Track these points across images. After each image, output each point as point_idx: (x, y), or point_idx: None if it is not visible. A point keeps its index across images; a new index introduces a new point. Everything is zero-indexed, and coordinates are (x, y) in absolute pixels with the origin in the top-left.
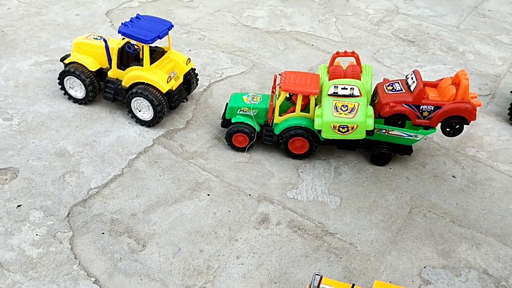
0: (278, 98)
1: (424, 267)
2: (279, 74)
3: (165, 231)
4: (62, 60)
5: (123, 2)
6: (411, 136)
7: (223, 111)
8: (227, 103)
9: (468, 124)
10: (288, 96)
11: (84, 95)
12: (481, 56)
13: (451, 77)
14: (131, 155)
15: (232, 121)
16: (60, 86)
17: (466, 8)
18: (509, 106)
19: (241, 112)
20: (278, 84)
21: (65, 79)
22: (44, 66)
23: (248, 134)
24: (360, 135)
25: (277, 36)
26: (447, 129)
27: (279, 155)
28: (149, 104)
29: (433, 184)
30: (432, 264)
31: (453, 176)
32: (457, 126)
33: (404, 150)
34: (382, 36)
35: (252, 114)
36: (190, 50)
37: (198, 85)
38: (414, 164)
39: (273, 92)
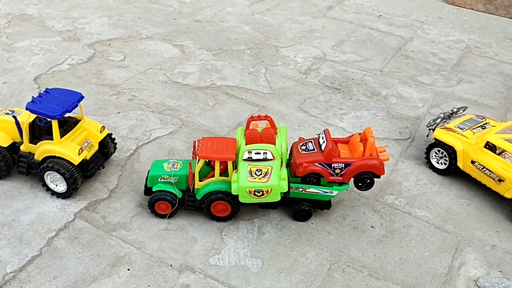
0: (197, 164)
1: None
2: (197, 141)
3: None
4: None
5: (53, 65)
6: (327, 192)
7: (146, 179)
8: (148, 171)
9: (379, 178)
10: (207, 161)
11: None
12: (403, 99)
13: (359, 133)
14: (51, 233)
15: (154, 189)
16: None
17: (390, 51)
18: (425, 150)
19: (162, 180)
20: (195, 151)
21: None
22: None
23: (170, 201)
24: (275, 197)
25: (208, 91)
26: (359, 184)
27: (203, 219)
28: (62, 177)
29: (353, 237)
30: None
31: (372, 227)
32: (368, 181)
33: (323, 205)
34: (309, 84)
35: (173, 181)
36: (118, 112)
37: (125, 149)
38: (335, 217)
39: (193, 157)
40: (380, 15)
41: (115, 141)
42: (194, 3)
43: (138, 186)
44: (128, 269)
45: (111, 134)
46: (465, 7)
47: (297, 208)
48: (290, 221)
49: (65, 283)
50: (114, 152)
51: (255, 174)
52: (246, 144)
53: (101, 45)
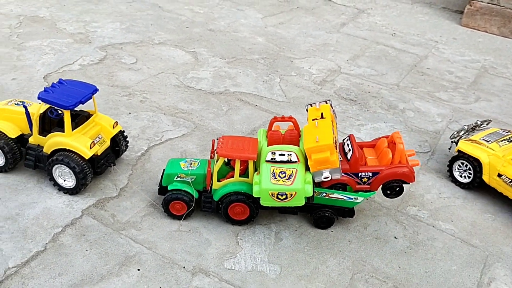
0: (216, 163)
1: None
2: (217, 139)
3: None
4: None
5: (63, 65)
6: (352, 198)
7: (160, 178)
8: (164, 169)
9: (408, 184)
10: (226, 161)
11: (3, 163)
12: (421, 113)
13: (387, 137)
14: (57, 228)
15: (169, 188)
16: None
17: (406, 67)
18: (448, 163)
19: (178, 179)
20: (215, 150)
21: None
22: None
23: (186, 201)
24: (299, 202)
25: (221, 97)
26: (388, 192)
27: (217, 222)
28: (71, 171)
29: (375, 247)
30: None
31: (395, 237)
32: (397, 189)
33: (346, 212)
34: (324, 95)
35: (189, 181)
36: (130, 113)
37: (136, 149)
38: (356, 226)
39: (211, 157)
40: (394, 34)
41: (127, 139)
42: (207, 14)
43: (149, 186)
44: (138, 269)
45: (124, 131)
46: (478, 30)
47: (320, 214)
48: (308, 227)
49: (71, 280)
50: (125, 150)
51: (279, 176)
52: (268, 146)
53: (113, 48)
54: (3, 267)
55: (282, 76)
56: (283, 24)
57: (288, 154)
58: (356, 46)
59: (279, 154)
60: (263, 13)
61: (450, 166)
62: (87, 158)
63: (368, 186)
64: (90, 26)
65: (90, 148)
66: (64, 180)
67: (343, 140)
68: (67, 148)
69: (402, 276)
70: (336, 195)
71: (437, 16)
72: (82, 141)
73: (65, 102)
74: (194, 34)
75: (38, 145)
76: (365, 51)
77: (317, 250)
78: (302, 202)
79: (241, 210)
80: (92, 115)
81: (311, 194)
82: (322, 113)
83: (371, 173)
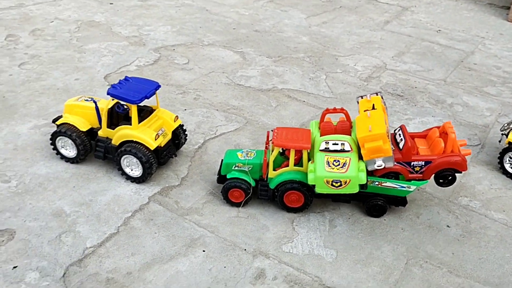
0: (271, 153)
1: None
2: (272, 130)
3: None
4: (54, 121)
5: (121, 66)
6: (404, 187)
7: (219, 167)
8: (222, 160)
9: (461, 173)
10: (281, 151)
11: (75, 154)
12: (469, 108)
13: (438, 127)
14: (127, 213)
15: (228, 177)
16: (52, 146)
17: (452, 63)
18: (498, 155)
19: (236, 168)
20: (271, 140)
21: (57, 139)
22: (42, 129)
23: (244, 189)
24: (353, 189)
25: (269, 93)
26: (441, 181)
27: (273, 209)
28: (138, 161)
29: (428, 235)
30: None
31: (448, 226)
32: (450, 178)
33: (398, 201)
34: (371, 91)
35: (247, 170)
36: (185, 109)
37: (193, 142)
38: (408, 215)
39: (266, 147)
40: (439, 30)
41: (186, 132)
42: (252, 16)
43: (207, 176)
44: (204, 251)
45: (183, 125)
46: None
47: (372, 202)
48: (361, 216)
49: (143, 259)
50: (184, 143)
51: (333, 164)
52: (321, 136)
53: (166, 50)
54: (82, 247)
55: (328, 73)
56: (326, 24)
57: (342, 143)
58: (400, 43)
59: (333, 144)
60: (306, 13)
61: (501, 158)
62: (152, 149)
63: (421, 175)
64: (143, 29)
65: (155, 139)
66: (132, 170)
67: (395, 130)
68: (134, 140)
69: (456, 262)
70: (389, 183)
71: (483, 12)
72: (147, 133)
73: (133, 97)
74: (241, 35)
75: (107, 137)
76: (410, 48)
77: (371, 237)
78: (356, 189)
79: (296, 197)
80: (155, 109)
81: (365, 182)
82: (373, 104)
83: (423, 162)
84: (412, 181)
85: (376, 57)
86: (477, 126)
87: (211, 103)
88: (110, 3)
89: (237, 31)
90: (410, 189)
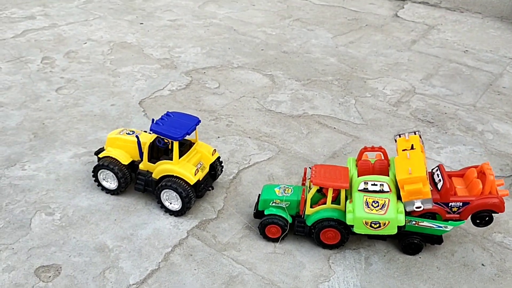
0: (309, 191)
1: None
2: (310, 168)
3: None
4: (96, 153)
5: (155, 91)
6: (441, 227)
7: (255, 202)
8: (259, 195)
9: (497, 214)
10: (318, 188)
11: (116, 186)
12: (500, 135)
13: (476, 167)
14: (167, 248)
15: (265, 213)
16: (94, 178)
17: (481, 86)
18: None
19: (274, 204)
20: (309, 178)
21: (99, 172)
22: (82, 158)
23: (281, 225)
24: (392, 230)
25: (300, 120)
26: (478, 221)
27: (309, 245)
28: (178, 196)
29: (463, 274)
30: None
31: (482, 264)
32: (487, 218)
33: (434, 239)
34: (401, 117)
35: (284, 206)
36: (218, 137)
37: (228, 172)
38: (443, 253)
39: (303, 183)
40: (466, 50)
41: (222, 164)
42: (279, 35)
43: (243, 209)
44: None
45: (220, 157)
46: None
47: (408, 241)
48: (397, 253)
49: None
50: (220, 174)
51: (372, 205)
52: (358, 175)
53: (197, 73)
54: (125, 283)
55: (357, 98)
56: (353, 43)
57: (380, 184)
58: (428, 65)
59: (372, 184)
60: (332, 32)
61: None
62: (192, 184)
63: (458, 216)
64: (174, 51)
65: (195, 174)
66: (170, 203)
67: (432, 169)
68: (175, 175)
69: None
70: (426, 223)
71: (510, 31)
72: (187, 168)
73: (175, 134)
74: (269, 56)
75: (147, 171)
76: (438, 70)
77: (407, 276)
78: (394, 231)
79: (332, 235)
80: (194, 143)
81: (404, 224)
82: (412, 145)
83: (461, 203)
84: (450, 221)
85: (405, 79)
86: (508, 155)
87: (243, 130)
88: (140, 23)
89: (265, 52)
90: (447, 229)
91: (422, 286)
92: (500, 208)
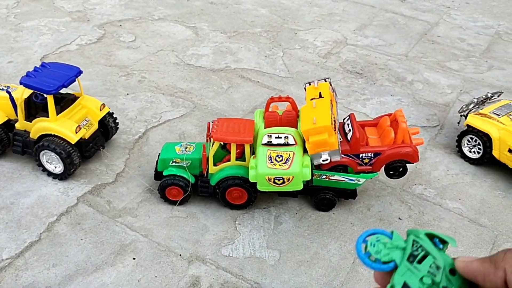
0: (211, 147)
1: None
2: (212, 122)
3: None
4: None
5: (61, 46)
6: (353, 180)
7: (156, 163)
8: (159, 154)
9: (412, 164)
10: (222, 144)
11: None
12: (430, 85)
13: (388, 115)
14: (52, 217)
15: (164, 173)
16: None
17: (415, 35)
18: (456, 138)
19: (174, 164)
20: (210, 133)
21: None
22: None
23: (182, 187)
24: (297, 186)
25: (221, 74)
26: (391, 172)
27: (215, 206)
28: (58, 157)
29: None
30: None
31: (399, 218)
32: (401, 169)
33: (348, 194)
34: (329, 69)
35: (185, 165)
36: (127, 94)
37: (133, 132)
38: (359, 207)
39: (207, 140)
40: (404, 0)
41: (116, 121)
42: None
43: (147, 171)
44: (134, 258)
45: (113, 112)
46: None
47: (320, 197)
48: (310, 210)
49: (65, 271)
50: (115, 132)
51: (275, 160)
52: (265, 127)
53: (112, 26)
54: None
55: (285, 50)
56: None
57: (285, 137)
58: (363, 15)
59: (276, 137)
60: None
61: (459, 141)
62: (73, 142)
63: (370, 167)
64: (88, 3)
65: (76, 132)
66: (53, 165)
67: (344, 119)
68: (53, 133)
69: None
70: (337, 177)
71: None
72: (67, 126)
73: (47, 87)
74: (195, 7)
75: (25, 130)
76: (373, 20)
77: (318, 233)
78: (300, 186)
79: (238, 194)
80: (78, 97)
81: (310, 178)
82: (320, 92)
83: (372, 154)
84: (362, 174)
85: (337, 30)
86: (437, 105)
87: (157, 86)
88: None
89: (191, 3)
90: (360, 182)
91: (333, 244)
92: (413, 157)
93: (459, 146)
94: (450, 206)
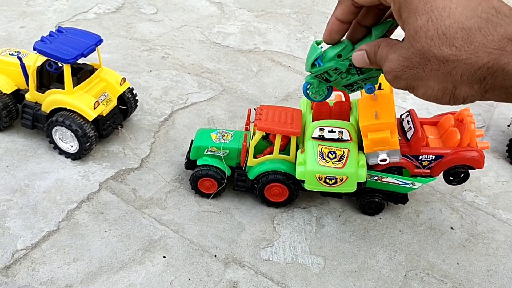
0: (252, 138)
1: None
2: (254, 109)
3: None
4: None
5: (77, 13)
6: (408, 184)
7: (188, 150)
8: (192, 141)
9: (474, 170)
10: (264, 134)
11: None
12: None
13: (453, 114)
14: (71, 204)
15: (198, 163)
16: None
17: None
18: (508, 143)
19: (209, 153)
20: (253, 121)
21: None
22: None
23: (217, 179)
24: (350, 188)
25: (250, 55)
26: (451, 178)
27: (251, 202)
28: (73, 134)
29: (430, 239)
30: None
31: (452, 228)
32: (462, 175)
33: (398, 198)
34: None
35: (221, 155)
36: (151, 70)
37: (159, 113)
38: (407, 213)
39: (246, 128)
40: None
41: (136, 98)
42: None
43: (174, 157)
44: (164, 257)
45: (133, 88)
46: None
47: (368, 199)
48: (353, 213)
49: (88, 267)
50: (134, 110)
51: (328, 157)
52: (313, 119)
53: None
54: (11, 249)
55: (317, 34)
56: None
57: (340, 131)
58: None
59: (329, 131)
60: None
61: (510, 146)
62: (90, 120)
63: (429, 171)
64: None
65: (94, 108)
66: (66, 143)
67: (401, 115)
68: (68, 108)
69: (461, 274)
70: (390, 179)
71: None
72: (85, 100)
73: (65, 55)
74: None
75: (36, 102)
76: None
77: (365, 240)
78: (353, 188)
79: (279, 191)
80: (96, 69)
81: (365, 180)
82: (380, 84)
83: (434, 156)
84: (418, 178)
85: None
86: (480, 105)
87: (181, 65)
88: None
89: None
90: (415, 186)
91: (382, 254)
92: (479, 163)
93: (509, 151)
94: (503, 217)
